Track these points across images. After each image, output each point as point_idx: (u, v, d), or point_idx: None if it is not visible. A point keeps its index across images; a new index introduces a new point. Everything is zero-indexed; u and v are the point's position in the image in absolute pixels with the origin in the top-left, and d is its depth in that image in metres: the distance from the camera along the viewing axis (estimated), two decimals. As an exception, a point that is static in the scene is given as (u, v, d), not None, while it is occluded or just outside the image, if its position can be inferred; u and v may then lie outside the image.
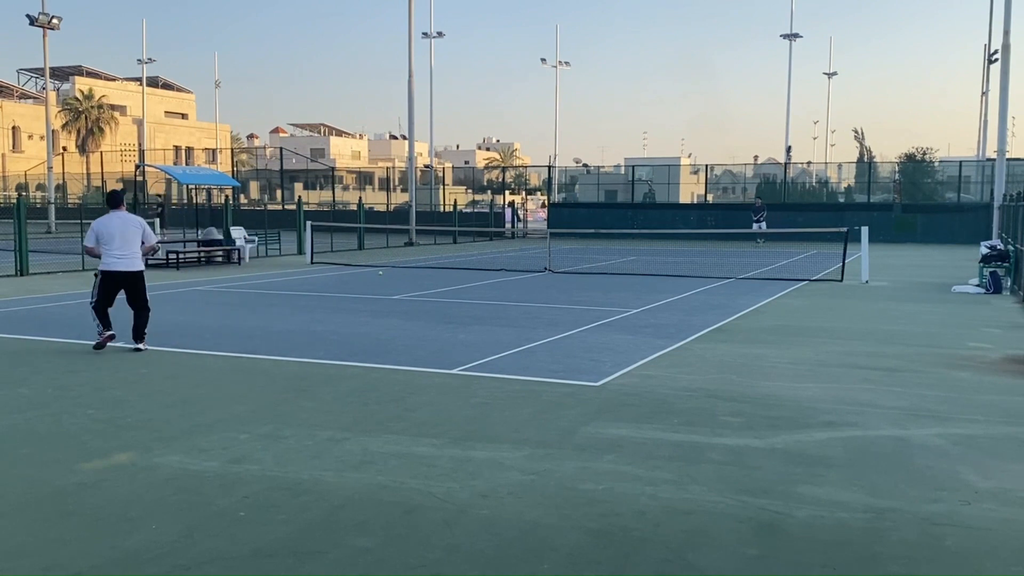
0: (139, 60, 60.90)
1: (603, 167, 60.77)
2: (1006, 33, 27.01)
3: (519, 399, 7.66)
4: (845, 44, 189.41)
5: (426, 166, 67.09)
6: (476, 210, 54.11)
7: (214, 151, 76.26)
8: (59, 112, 70.22)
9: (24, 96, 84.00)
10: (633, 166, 53.94)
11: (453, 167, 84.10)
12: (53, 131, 51.90)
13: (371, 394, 7.87)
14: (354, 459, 5.89)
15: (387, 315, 13.29)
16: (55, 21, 41.95)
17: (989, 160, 42.44)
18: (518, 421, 6.91)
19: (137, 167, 28.59)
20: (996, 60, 34.68)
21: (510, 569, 4.21)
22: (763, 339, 11.04)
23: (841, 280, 18.97)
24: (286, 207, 43.44)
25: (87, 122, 73.62)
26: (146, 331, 10.19)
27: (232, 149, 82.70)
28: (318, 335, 11.23)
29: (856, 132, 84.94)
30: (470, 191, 71.04)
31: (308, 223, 26.52)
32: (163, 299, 15.34)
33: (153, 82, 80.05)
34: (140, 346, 10.09)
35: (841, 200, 49.13)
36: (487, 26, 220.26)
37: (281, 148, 62.15)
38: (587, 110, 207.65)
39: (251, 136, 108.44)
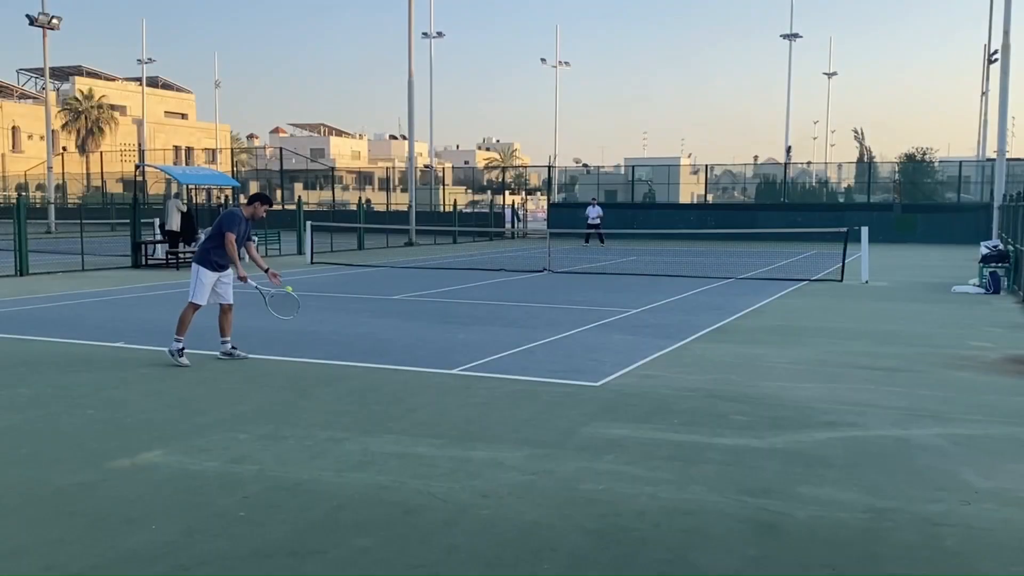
0: (139, 60, 60.95)
1: (603, 167, 60.76)
2: (1006, 33, 27.03)
3: (519, 399, 7.66)
4: (845, 44, 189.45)
5: (426, 166, 67.09)
6: (476, 210, 54.13)
7: (214, 151, 76.22)
8: (59, 112, 70.18)
9: (24, 96, 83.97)
10: (633, 166, 53.96)
11: (453, 167, 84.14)
12: (53, 131, 51.87)
13: (371, 394, 7.87)
14: (354, 459, 5.89)
15: (387, 315, 13.29)
16: (55, 21, 41.96)
17: (989, 160, 42.45)
18: (518, 421, 6.91)
19: (137, 167, 28.53)
20: (996, 60, 34.69)
21: (510, 569, 4.21)
22: (763, 339, 11.04)
23: (841, 280, 18.96)
24: (286, 207, 43.39)
25: (87, 122, 73.61)
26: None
27: (232, 149, 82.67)
28: (318, 335, 11.23)
29: (856, 132, 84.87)
30: (470, 191, 71.08)
31: (308, 223, 26.52)
32: (163, 299, 15.35)
33: (153, 82, 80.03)
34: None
35: (841, 200, 49.11)
36: (487, 26, 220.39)
37: (281, 148, 62.17)
38: (587, 110, 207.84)
39: (251, 136, 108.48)
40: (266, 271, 9.45)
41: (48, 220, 43.75)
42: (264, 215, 9.53)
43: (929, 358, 9.74)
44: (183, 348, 9.02)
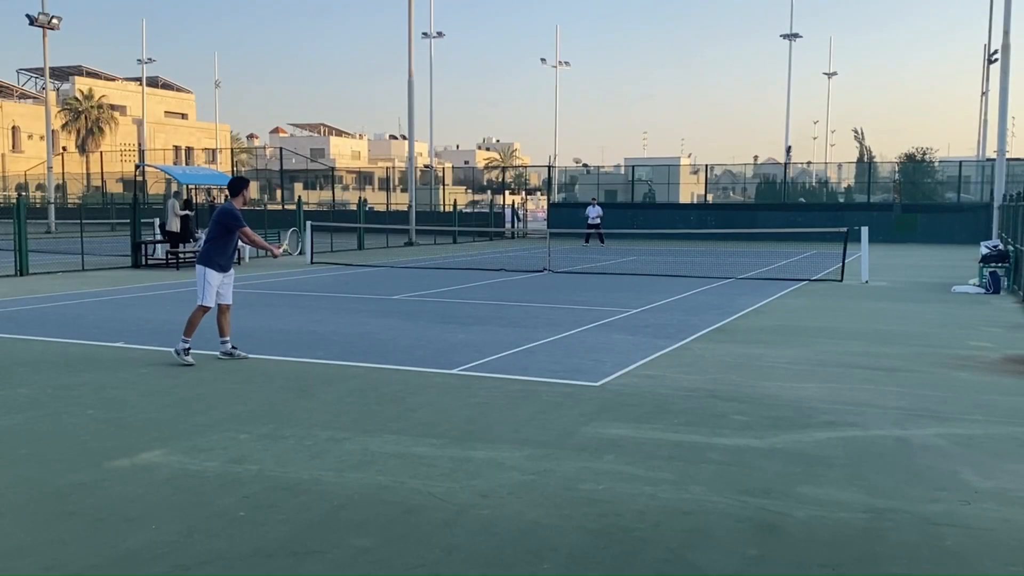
0: (139, 60, 60.93)
1: (603, 167, 60.76)
2: (1006, 33, 27.03)
3: (519, 399, 7.66)
4: (845, 44, 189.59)
5: (426, 166, 67.10)
6: (476, 210, 54.14)
7: (214, 151, 76.25)
8: (59, 112, 70.20)
9: (24, 96, 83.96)
10: (633, 166, 53.93)
11: (453, 167, 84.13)
12: (53, 131, 51.87)
13: (371, 394, 7.87)
14: (354, 459, 5.89)
15: (387, 315, 13.29)
16: (55, 21, 41.95)
17: (989, 160, 42.44)
18: (518, 421, 6.91)
19: (137, 167, 28.56)
20: (996, 60, 34.69)
21: (510, 569, 4.21)
22: (763, 339, 11.04)
23: (841, 280, 18.96)
24: (286, 207, 43.44)
25: (87, 122, 73.63)
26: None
27: (232, 149, 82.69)
28: (318, 335, 11.23)
29: (856, 132, 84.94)
30: (470, 191, 71.10)
31: (308, 223, 26.53)
32: (163, 299, 15.35)
33: (153, 82, 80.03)
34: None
35: (841, 200, 49.11)
36: (487, 26, 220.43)
37: (281, 148, 62.20)
38: (587, 110, 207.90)
39: (251, 136, 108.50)
40: (270, 246, 10.09)
41: (48, 220, 43.77)
42: (250, 195, 10.07)
43: (929, 358, 9.74)
44: (189, 348, 9.13)
